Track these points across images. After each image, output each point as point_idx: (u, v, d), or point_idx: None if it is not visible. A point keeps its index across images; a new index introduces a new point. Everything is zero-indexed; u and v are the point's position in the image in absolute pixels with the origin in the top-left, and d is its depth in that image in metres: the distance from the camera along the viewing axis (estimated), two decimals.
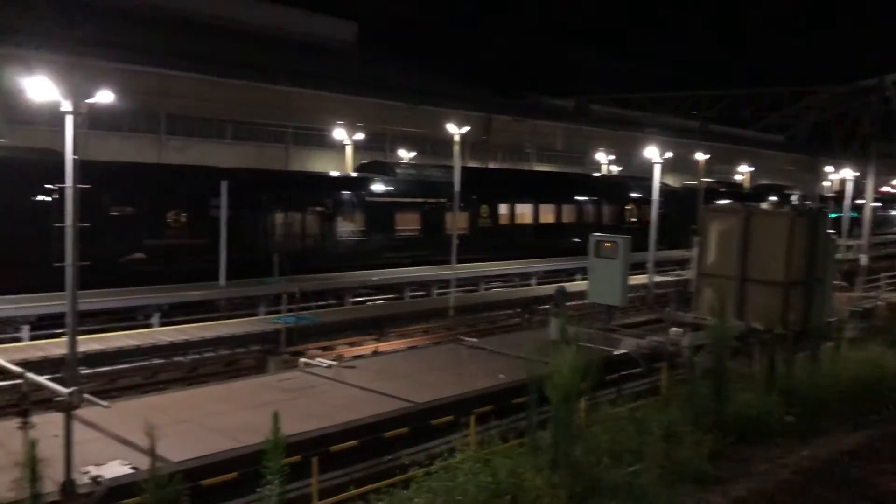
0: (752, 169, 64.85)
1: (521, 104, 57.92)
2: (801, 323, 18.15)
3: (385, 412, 12.76)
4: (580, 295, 22.88)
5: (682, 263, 37.03)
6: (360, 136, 39.07)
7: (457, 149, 27.69)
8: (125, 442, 11.17)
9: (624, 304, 19.95)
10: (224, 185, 25.02)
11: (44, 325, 20.08)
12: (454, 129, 27.65)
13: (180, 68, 36.33)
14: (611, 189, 44.19)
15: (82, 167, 15.42)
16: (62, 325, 18.15)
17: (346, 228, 30.20)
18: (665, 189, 34.44)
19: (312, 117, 42.78)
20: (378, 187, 32.03)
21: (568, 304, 20.15)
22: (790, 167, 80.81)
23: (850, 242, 42.73)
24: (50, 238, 18.87)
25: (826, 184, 65.17)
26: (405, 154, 43.41)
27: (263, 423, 10.65)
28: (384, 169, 34.05)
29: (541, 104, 59.83)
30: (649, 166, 31.58)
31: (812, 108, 68.23)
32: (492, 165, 50.97)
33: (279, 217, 28.15)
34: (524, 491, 10.20)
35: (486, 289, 31.84)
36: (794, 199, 33.63)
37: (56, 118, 15.33)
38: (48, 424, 10.24)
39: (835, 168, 58.60)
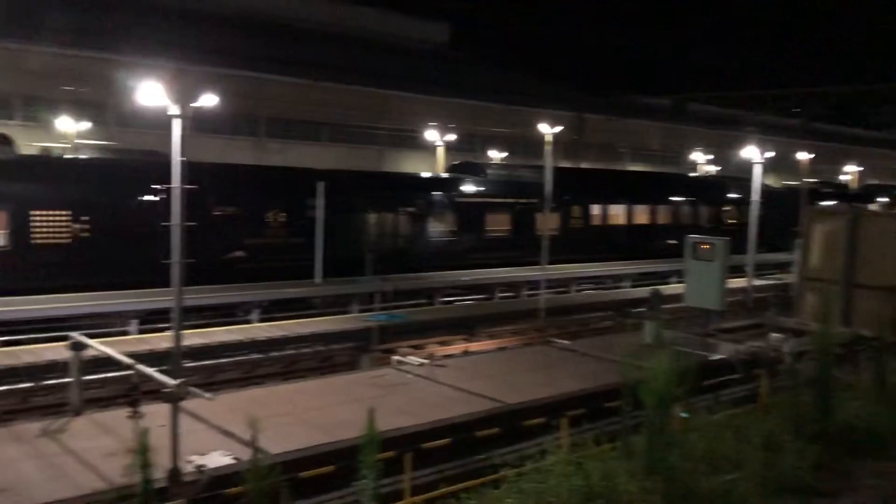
0: (861, 168, 61.85)
1: (615, 103, 57.04)
2: None
3: (477, 412, 12.81)
4: (675, 298, 22.35)
5: (783, 267, 35.67)
6: (451, 136, 39.32)
7: (548, 149, 27.51)
8: (227, 433, 11.60)
9: (722, 307, 19.38)
10: (320, 186, 25.67)
11: (151, 320, 21.03)
12: (546, 129, 27.47)
13: (278, 72, 37.40)
14: (708, 189, 43.00)
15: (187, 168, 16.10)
16: (168, 320, 19.02)
17: (437, 229, 30.46)
18: (766, 189, 33.26)
19: (405, 119, 43.33)
20: (469, 188, 32.17)
21: (663, 307, 19.73)
22: None
23: None
24: (157, 236, 19.76)
25: None
26: (496, 154, 43.42)
27: (358, 418, 10.85)
28: (475, 169, 34.16)
29: (635, 103, 58.77)
30: (749, 166, 30.57)
31: None
32: (584, 165, 50.39)
33: (372, 217, 28.67)
34: (617, 495, 10.04)
35: (578, 290, 31.50)
36: None
37: (162, 121, 16.02)
38: (155, 414, 10.74)
39: None
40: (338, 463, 10.54)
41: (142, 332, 20.70)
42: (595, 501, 9.90)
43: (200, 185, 16.91)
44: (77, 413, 12.43)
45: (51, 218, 21.71)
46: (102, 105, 34.55)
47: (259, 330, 21.39)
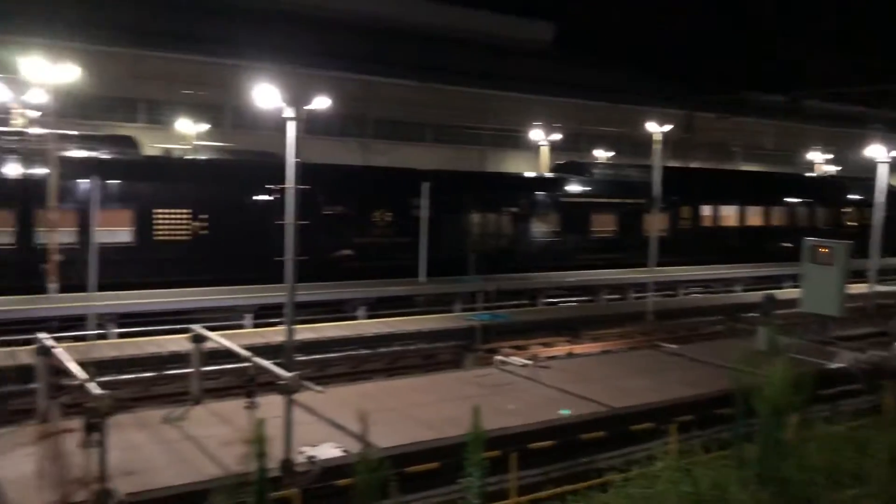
0: None
1: (727, 100, 55.04)
2: None
3: (583, 414, 12.69)
4: (790, 303, 21.45)
5: None
6: (556, 136, 39.02)
7: (657, 148, 26.91)
8: (336, 426, 11.93)
9: (841, 314, 18.48)
10: (425, 187, 26.01)
11: (264, 315, 21.84)
12: (654, 128, 26.88)
13: (386, 74, 38.02)
14: (827, 190, 41.03)
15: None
16: (280, 315, 19.72)
17: (541, 229, 30.32)
18: (892, 190, 31.46)
19: (509, 119, 43.30)
20: (573, 188, 31.85)
21: (776, 312, 18.97)
22: None
23: None
24: (270, 235, 20.50)
25: None
26: (602, 154, 42.80)
27: (462, 416, 10.95)
28: (580, 169, 33.79)
29: (749, 100, 56.55)
30: (872, 166, 28.99)
31: None
32: (693, 165, 48.98)
33: (476, 217, 28.82)
34: None
35: (686, 294, 30.67)
36: None
37: (274, 123, 16.58)
38: (268, 405, 11.13)
39: None
40: (444, 459, 10.66)
41: (255, 326, 21.50)
42: None
43: (311, 185, 17.42)
44: (196, 402, 13.05)
45: (172, 216, 22.86)
46: (219, 107, 36.15)
47: (366, 326, 21.88)
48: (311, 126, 33.19)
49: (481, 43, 44.44)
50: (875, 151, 28.27)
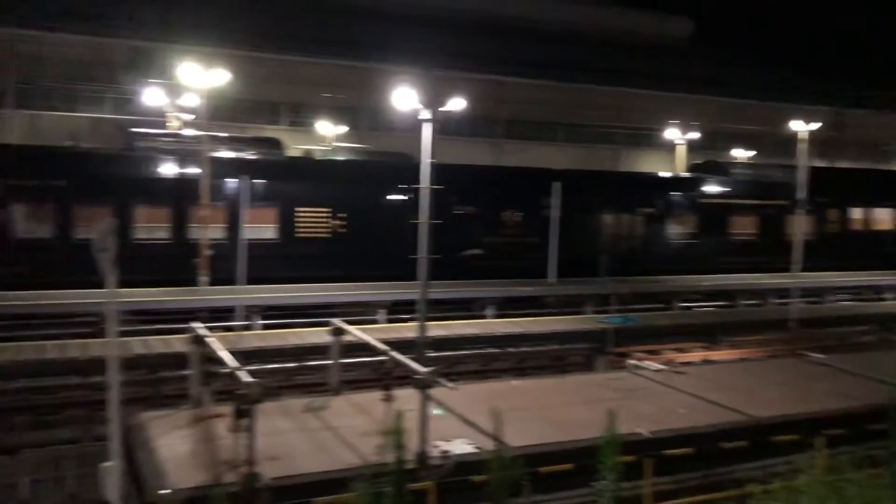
0: None
1: (882, 96, 51.59)
2: None
3: (722, 423, 12.28)
4: None
5: None
6: (692, 135, 37.78)
7: (802, 147, 25.58)
8: (468, 422, 12.09)
9: None
10: (556, 186, 25.85)
11: (396, 311, 22.37)
12: (800, 126, 25.56)
13: (518, 74, 38.07)
14: None
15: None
16: (411, 311, 20.17)
17: (676, 231, 29.48)
18: None
19: (643, 117, 42.30)
20: (711, 188, 30.78)
21: None
22: None
23: None
24: (404, 233, 20.99)
25: None
26: (742, 153, 41.08)
27: (593, 418, 10.87)
28: (718, 169, 32.58)
29: None
30: None
31: None
32: (842, 165, 46.18)
33: (607, 218, 28.40)
34: None
35: (833, 301, 28.98)
36: None
37: (409, 124, 16.93)
38: (402, 398, 11.39)
39: None
40: (576, 461, 10.59)
41: (388, 321, 22.06)
42: None
43: (443, 185, 17.71)
44: (336, 393, 13.56)
45: (313, 214, 23.82)
46: (357, 110, 37.29)
47: (496, 325, 21.99)
48: (442, 127, 33.66)
49: (617, 41, 43.76)
50: None
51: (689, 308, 26.82)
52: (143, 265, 20.23)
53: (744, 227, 30.57)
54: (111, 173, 22.20)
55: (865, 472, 10.72)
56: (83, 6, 32.94)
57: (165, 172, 22.63)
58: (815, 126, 26.07)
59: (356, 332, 13.50)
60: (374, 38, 33.42)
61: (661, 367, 16.14)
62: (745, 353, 21.60)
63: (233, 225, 22.53)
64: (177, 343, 16.77)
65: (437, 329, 20.30)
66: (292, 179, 24.31)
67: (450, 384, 12.31)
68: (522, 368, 20.22)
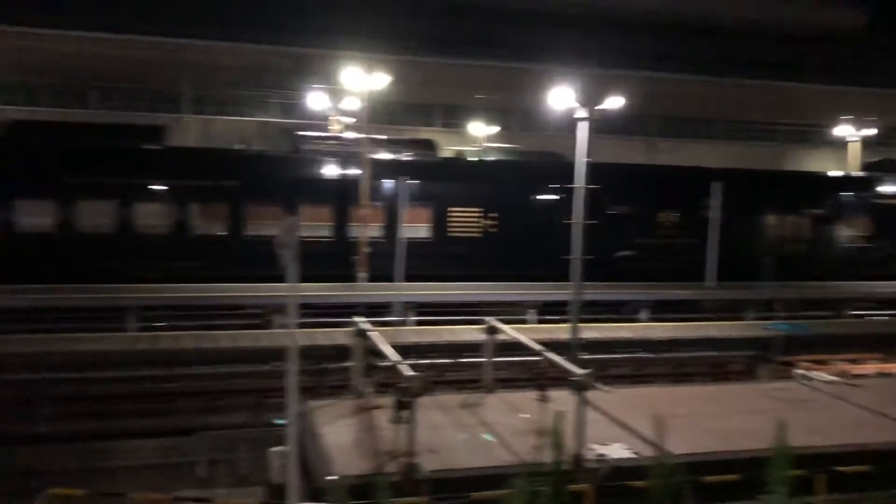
0: None
1: None
2: None
3: None
4: None
5: None
6: (867, 131, 35.22)
7: None
8: (624, 427, 11.88)
9: None
10: (716, 186, 24.88)
11: (547, 311, 22.30)
12: None
13: (676, 70, 36.91)
14: None
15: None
16: (562, 312, 20.05)
17: (849, 234, 27.64)
18: None
19: (810, 113, 39.91)
20: (890, 188, 28.60)
21: None
22: None
23: None
24: (555, 233, 20.87)
25: None
26: None
27: (758, 429, 10.40)
28: None
29: None
30: None
31: None
32: None
33: (772, 219, 27.05)
34: None
35: None
36: None
37: (559, 124, 16.81)
38: (555, 399, 11.34)
39: None
40: (742, 472, 10.16)
41: (539, 322, 22.03)
42: None
43: (595, 184, 17.50)
44: (489, 391, 13.71)
45: (465, 214, 24.18)
46: (509, 110, 37.47)
47: (650, 329, 21.46)
48: (594, 125, 33.26)
49: (783, 33, 41.46)
50: None
51: (861, 316, 25.05)
52: (305, 262, 21.23)
53: None
54: (278, 174, 23.47)
55: None
56: (249, 16, 34.99)
57: (327, 173, 23.66)
58: None
59: (510, 332, 13.59)
60: (529, 38, 33.44)
61: (833, 378, 15.17)
62: None
63: (389, 224, 23.24)
64: (339, 336, 17.49)
65: (589, 331, 20.06)
66: (445, 180, 24.77)
67: (604, 387, 12.15)
68: (677, 375, 19.62)
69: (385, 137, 25.66)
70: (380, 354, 12.21)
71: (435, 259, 23.69)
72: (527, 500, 8.36)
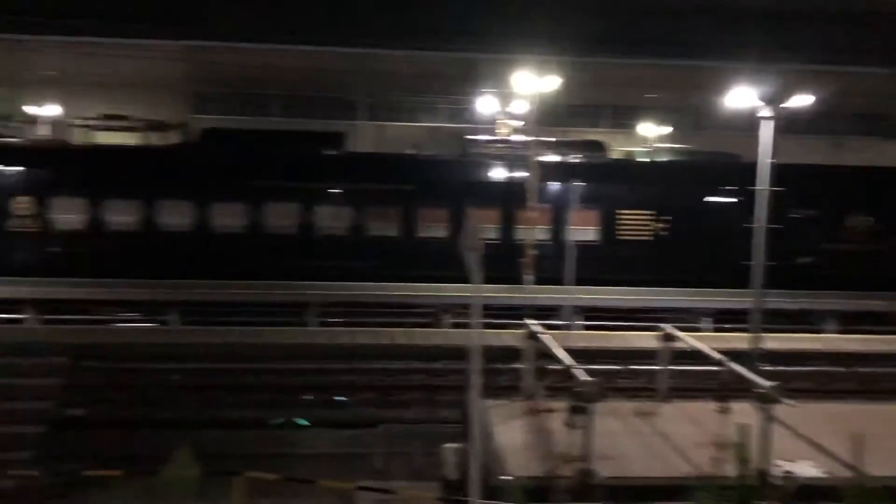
0: None
1: None
2: None
3: None
4: None
5: None
6: None
7: None
8: (812, 444, 11.18)
9: None
10: None
11: (722, 319, 21.37)
12: None
13: (877, 64, 34.16)
14: None
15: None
16: (740, 321, 19.14)
17: None
18: None
19: None
20: None
21: None
22: None
23: None
24: (731, 238, 19.97)
25: None
26: None
27: None
28: None
29: None
30: None
31: None
32: None
33: None
34: None
35: None
36: None
37: (736, 123, 16.06)
38: (736, 411, 10.83)
39: None
40: None
41: (714, 330, 21.17)
42: None
43: (776, 186, 16.58)
44: (664, 399, 13.34)
45: (635, 217, 23.64)
46: (681, 109, 36.27)
47: (838, 342, 20.05)
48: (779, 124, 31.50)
49: None
50: None
51: None
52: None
53: None
54: (448, 177, 23.99)
55: None
56: (418, 23, 35.98)
57: (495, 176, 23.90)
58: None
59: (689, 339, 13.15)
60: (708, 35, 32.17)
61: None
62: None
63: (556, 227, 23.15)
64: (507, 337, 17.62)
65: (771, 342, 19.01)
66: (615, 182, 24.33)
67: (790, 401, 11.49)
68: (868, 392, 18.17)
69: (553, 140, 25.58)
70: (551, 357, 12.19)
71: (603, 262, 23.29)
72: None
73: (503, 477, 9.96)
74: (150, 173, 23.38)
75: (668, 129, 34.16)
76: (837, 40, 30.62)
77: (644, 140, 33.81)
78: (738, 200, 22.16)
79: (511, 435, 11.51)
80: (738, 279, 17.51)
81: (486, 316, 20.37)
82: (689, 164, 27.39)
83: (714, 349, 13.12)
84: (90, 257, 22.10)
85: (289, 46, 35.24)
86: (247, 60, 37.09)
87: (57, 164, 23.94)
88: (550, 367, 12.71)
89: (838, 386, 18.49)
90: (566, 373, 11.09)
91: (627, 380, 17.57)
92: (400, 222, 23.20)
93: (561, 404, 11.17)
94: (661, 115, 34.99)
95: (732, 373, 11.26)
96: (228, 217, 22.65)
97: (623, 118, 37.28)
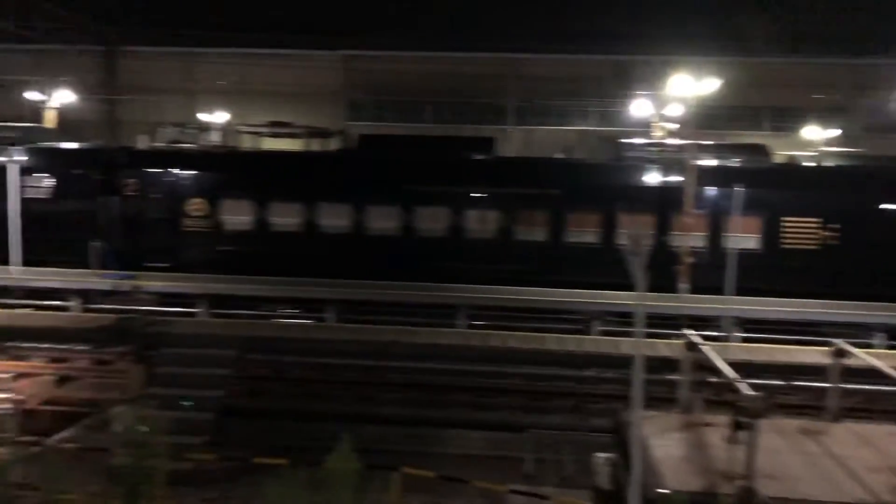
0: None
1: None
2: None
3: None
4: None
5: None
6: None
7: None
8: None
9: None
10: None
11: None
12: None
13: None
14: None
15: None
16: None
17: None
18: None
19: None
20: None
21: None
22: None
23: None
24: None
25: None
26: None
27: None
28: None
29: None
30: None
31: None
32: None
33: None
34: None
35: None
36: None
37: None
38: None
39: None
40: None
41: (890, 347, 19.70)
42: None
43: None
44: (834, 419, 12.52)
45: (800, 225, 22.35)
46: (848, 111, 34.04)
47: None
48: None
49: None
50: None
51: None
52: (624, 270, 21.11)
53: None
54: (600, 182, 23.61)
55: None
56: (574, 26, 35.69)
57: (649, 181, 23.28)
58: None
59: (864, 357, 12.28)
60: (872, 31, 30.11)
61: None
62: None
63: (713, 234, 22.30)
64: (661, 347, 17.15)
65: None
66: (779, 187, 23.09)
67: None
68: None
69: (712, 143, 24.63)
70: (711, 369, 11.73)
71: (764, 272, 22.20)
72: None
73: (660, 490, 9.68)
74: (312, 177, 24.49)
75: (834, 133, 32.06)
76: None
77: (808, 144, 31.90)
78: None
79: (667, 448, 11.16)
80: None
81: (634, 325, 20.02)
82: (861, 169, 25.60)
83: (893, 368, 12.19)
84: (256, 256, 23.46)
85: (442, 53, 36.00)
86: (400, 68, 38.27)
87: (226, 168, 25.57)
88: (710, 379, 12.24)
89: None
90: (727, 386, 10.64)
91: (792, 396, 16.62)
92: (550, 227, 23.08)
93: (721, 418, 10.73)
94: (827, 118, 32.93)
95: None
96: (383, 220, 23.37)
97: (784, 121, 35.39)
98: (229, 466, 12.92)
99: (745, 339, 20.23)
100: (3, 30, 29.59)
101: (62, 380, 17.17)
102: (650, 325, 19.31)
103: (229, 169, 25.57)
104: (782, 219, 22.41)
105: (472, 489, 11.16)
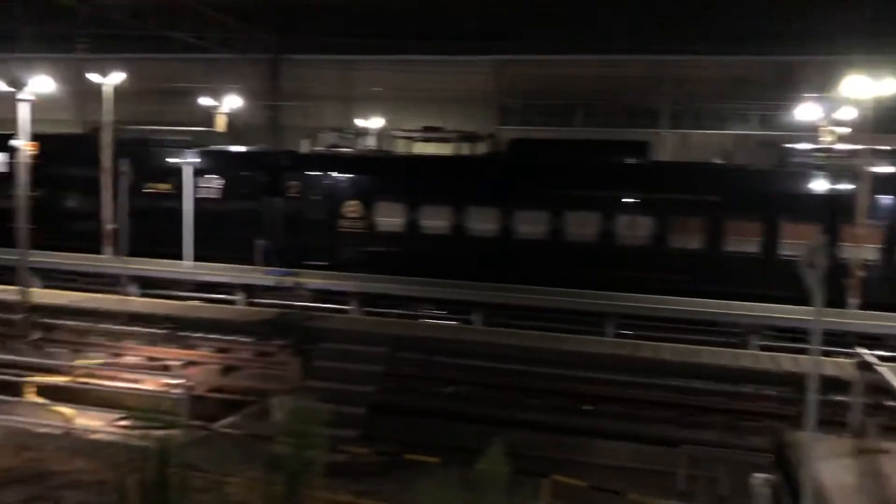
0: None
1: None
2: None
3: None
4: None
5: None
6: None
7: None
8: None
9: None
10: None
11: None
12: None
13: None
14: None
15: None
16: None
17: None
18: None
19: None
20: None
21: None
22: None
23: None
24: None
25: None
26: None
27: None
28: None
29: None
30: None
31: None
32: None
33: None
34: None
35: None
36: None
37: None
38: None
39: None
40: None
41: None
42: None
43: None
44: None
45: None
46: None
47: None
48: None
49: None
50: None
51: None
52: (787, 281, 19.97)
53: None
54: (763, 189, 22.42)
55: None
56: (732, 26, 34.16)
57: (817, 188, 21.91)
58: None
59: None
60: None
61: None
62: None
63: (890, 246, 20.74)
64: (829, 366, 16.07)
65: None
66: None
67: None
68: None
69: (889, 148, 22.89)
70: (888, 392, 10.90)
71: (875, 283, 20.44)
72: None
73: None
74: (462, 181, 24.77)
75: None
76: None
77: None
78: None
79: (836, 473, 10.47)
80: None
81: (796, 341, 18.92)
82: None
83: None
84: (406, 257, 24.01)
85: (595, 56, 35.48)
86: (551, 72, 38.05)
87: (380, 172, 26.35)
88: (887, 403, 11.37)
89: None
90: None
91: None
92: (707, 235, 22.21)
93: None
94: None
95: None
96: (532, 224, 23.29)
97: None
98: (381, 461, 13.25)
99: None
100: (180, 40, 31.99)
101: (227, 369, 18.27)
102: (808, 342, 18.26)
103: (383, 173, 26.33)
104: None
105: (623, 501, 10.87)
